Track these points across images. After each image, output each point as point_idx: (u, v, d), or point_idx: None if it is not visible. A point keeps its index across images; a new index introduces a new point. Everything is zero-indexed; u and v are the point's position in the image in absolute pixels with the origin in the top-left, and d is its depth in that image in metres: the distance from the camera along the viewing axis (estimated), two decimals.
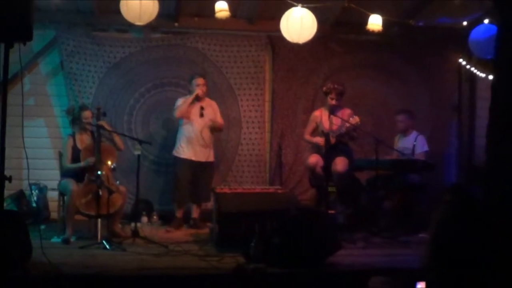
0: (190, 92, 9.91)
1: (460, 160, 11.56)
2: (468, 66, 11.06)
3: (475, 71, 11.04)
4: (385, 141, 9.75)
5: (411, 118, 10.28)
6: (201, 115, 9.81)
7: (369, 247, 8.41)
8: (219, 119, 10.11)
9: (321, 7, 9.23)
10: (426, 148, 10.03)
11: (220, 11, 9.31)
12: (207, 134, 9.87)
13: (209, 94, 10.21)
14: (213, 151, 10.12)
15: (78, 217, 8.77)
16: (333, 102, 9.63)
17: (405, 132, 10.24)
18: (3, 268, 6.19)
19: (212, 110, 10.02)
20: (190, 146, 9.85)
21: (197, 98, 9.80)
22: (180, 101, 9.91)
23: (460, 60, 11.10)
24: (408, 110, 10.38)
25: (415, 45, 11.26)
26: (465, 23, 10.14)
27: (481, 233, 4.93)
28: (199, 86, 9.82)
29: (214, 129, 10.04)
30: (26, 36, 6.28)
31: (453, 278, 4.67)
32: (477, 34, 9.64)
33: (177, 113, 9.88)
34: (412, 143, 10.06)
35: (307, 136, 9.97)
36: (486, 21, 9.61)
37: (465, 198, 5.81)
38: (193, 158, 9.86)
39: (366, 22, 9.58)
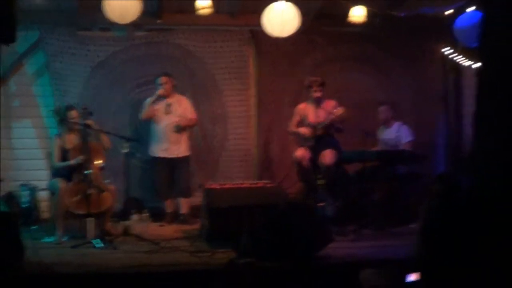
0: (156, 92, 10.01)
1: (448, 149, 11.58)
2: (453, 55, 11.08)
3: (460, 59, 11.05)
4: (372, 133, 9.80)
5: (392, 109, 10.32)
6: (168, 112, 9.95)
7: (359, 239, 8.46)
8: (190, 114, 10.18)
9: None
10: (410, 137, 10.06)
11: (203, 8, 9.34)
12: (172, 129, 9.95)
13: (192, 91, 10.29)
14: (187, 145, 10.19)
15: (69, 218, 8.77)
16: (317, 94, 9.68)
17: (386, 124, 10.28)
18: None
19: (180, 106, 10.12)
20: (160, 144, 10.01)
21: (159, 97, 9.96)
22: (147, 101, 10.06)
23: (445, 49, 11.12)
24: (388, 101, 10.42)
25: (398, 36, 11.23)
26: (448, 11, 10.13)
27: (467, 221, 4.98)
28: (161, 85, 9.96)
29: (185, 125, 10.09)
30: (9, 38, 6.30)
31: (445, 267, 4.71)
32: (462, 22, 9.61)
33: (142, 116, 10.12)
34: (395, 133, 10.09)
35: (293, 128, 10.00)
36: (470, 8, 9.61)
37: (452, 187, 5.86)
38: (165, 155, 10.00)
39: (348, 14, 9.61)
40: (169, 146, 9.96)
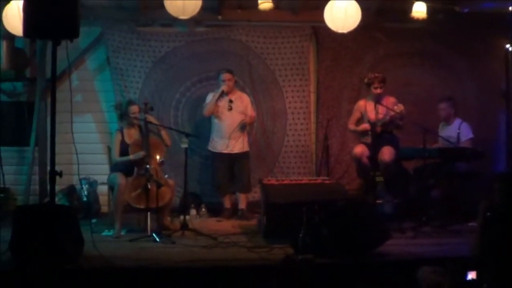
0: (218, 88, 10.00)
1: (510, 147, 11.40)
2: None
3: None
4: (432, 130, 9.70)
5: (453, 106, 10.18)
6: (230, 108, 9.94)
7: (418, 236, 8.38)
8: (250, 112, 10.18)
9: None
10: (471, 135, 9.93)
11: (263, 2, 9.37)
12: (238, 127, 9.95)
13: (252, 87, 10.31)
14: (247, 141, 10.20)
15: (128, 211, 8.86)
16: (378, 90, 9.63)
17: (447, 120, 10.15)
18: (57, 262, 6.30)
19: (242, 103, 10.11)
20: (222, 140, 10.00)
21: (223, 94, 9.93)
22: (209, 98, 10.06)
23: (508, 45, 10.96)
24: (450, 98, 10.28)
25: (460, 32, 11.10)
26: (511, 7, 9.99)
27: None
28: (224, 81, 9.94)
29: (245, 122, 10.08)
30: (73, 33, 6.37)
31: (504, 266, 4.65)
32: None
33: (205, 112, 10.11)
34: (456, 131, 9.95)
35: (352, 126, 10.00)
36: None
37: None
38: (227, 151, 9.99)
39: (410, 10, 9.53)
40: (231, 142, 9.95)
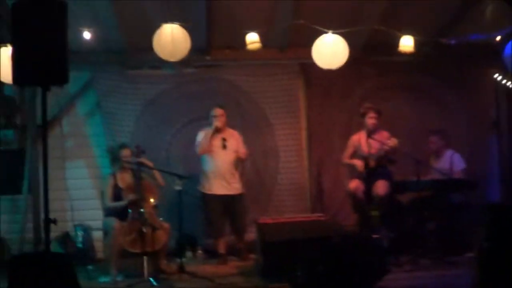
0: (210, 125, 9.88)
1: (502, 176, 11.42)
2: (504, 81, 10.97)
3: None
4: (425, 162, 9.73)
5: (444, 138, 10.23)
6: (224, 147, 9.80)
7: (416, 269, 8.38)
8: (242, 149, 10.03)
9: (352, 31, 9.24)
10: (463, 165, 9.99)
11: (252, 43, 9.38)
12: (232, 166, 9.88)
13: (243, 126, 10.35)
14: (241, 182, 10.08)
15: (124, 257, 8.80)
16: (373, 121, 9.66)
17: (438, 153, 10.18)
18: None
19: (235, 141, 9.97)
20: (217, 181, 9.82)
21: (217, 130, 9.78)
22: (200, 135, 9.88)
23: (496, 75, 11.02)
24: (440, 131, 10.33)
25: (448, 64, 11.15)
26: (498, 38, 10.05)
27: None
28: (217, 117, 9.76)
29: (239, 160, 10.02)
30: (62, 79, 6.35)
31: None
32: (511, 48, 9.56)
33: (199, 150, 9.87)
34: (448, 162, 9.98)
35: (346, 159, 9.99)
36: None
37: (503, 216, 5.78)
38: (222, 193, 9.82)
39: (397, 43, 9.57)
40: (226, 182, 9.81)
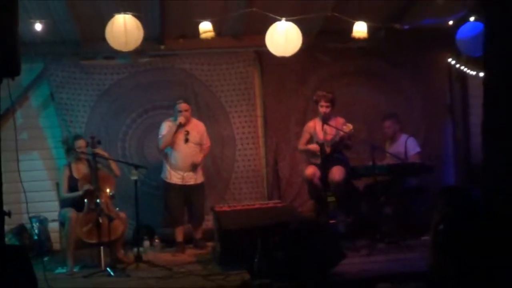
0: (173, 116, 9.86)
1: (457, 159, 11.54)
2: (458, 65, 11.07)
3: (465, 69, 11.03)
4: (380, 147, 9.80)
5: (398, 122, 10.28)
6: (186, 140, 9.74)
7: (373, 254, 8.45)
8: (206, 141, 10.06)
9: (305, 18, 9.25)
10: (418, 149, 10.05)
11: (205, 32, 9.32)
12: (194, 158, 9.82)
13: (199, 115, 10.36)
14: (202, 172, 10.06)
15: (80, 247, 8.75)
16: (324, 109, 9.62)
17: (393, 137, 10.24)
18: None
19: (198, 133, 9.93)
20: (178, 172, 9.79)
21: (181, 126, 9.72)
22: (164, 128, 9.82)
23: (450, 59, 11.11)
24: (393, 115, 10.38)
25: (402, 49, 11.21)
26: (450, 22, 10.12)
27: (478, 232, 4.95)
28: (181, 112, 9.68)
29: (201, 152, 9.99)
30: (14, 71, 6.27)
31: (457, 278, 4.68)
32: (463, 32, 9.63)
33: (161, 145, 9.85)
34: (403, 146, 10.02)
35: (302, 146, 9.98)
36: (471, 19, 9.61)
37: (457, 199, 5.85)
38: (182, 183, 9.79)
39: (351, 30, 9.57)
40: (187, 174, 9.77)
